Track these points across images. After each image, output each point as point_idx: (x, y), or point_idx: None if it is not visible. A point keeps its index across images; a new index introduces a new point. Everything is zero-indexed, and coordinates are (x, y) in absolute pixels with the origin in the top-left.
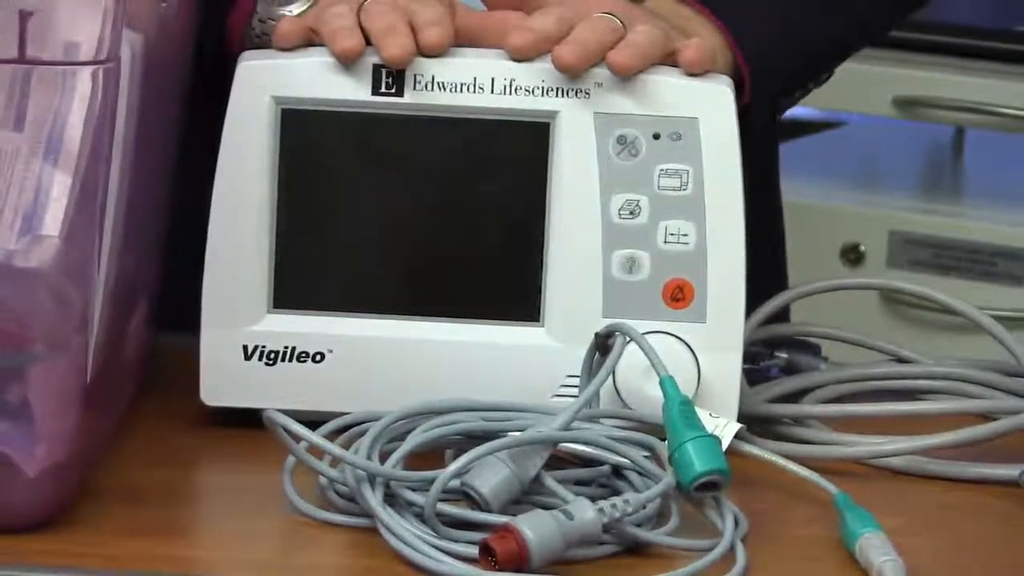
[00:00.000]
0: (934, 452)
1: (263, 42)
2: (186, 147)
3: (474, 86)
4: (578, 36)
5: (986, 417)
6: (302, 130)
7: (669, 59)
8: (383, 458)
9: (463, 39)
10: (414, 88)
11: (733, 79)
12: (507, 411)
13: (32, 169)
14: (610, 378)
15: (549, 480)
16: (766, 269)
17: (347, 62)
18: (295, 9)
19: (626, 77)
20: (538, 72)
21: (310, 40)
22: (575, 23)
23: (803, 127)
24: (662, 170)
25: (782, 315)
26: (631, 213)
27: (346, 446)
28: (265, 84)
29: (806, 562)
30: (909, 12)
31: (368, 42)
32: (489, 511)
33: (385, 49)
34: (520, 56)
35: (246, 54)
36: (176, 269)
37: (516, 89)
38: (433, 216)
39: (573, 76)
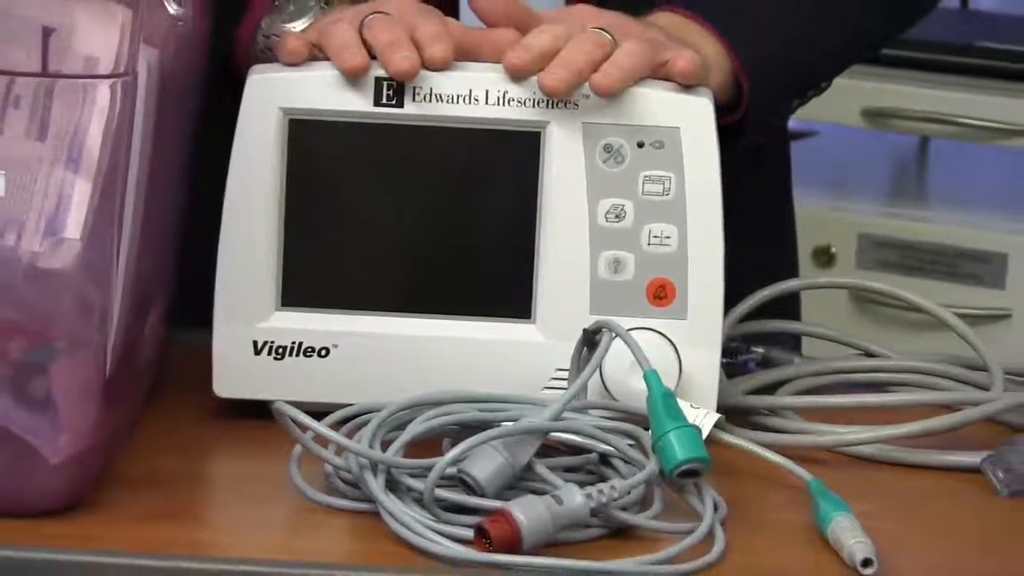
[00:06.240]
0: (901, 441)
1: (267, 57)
2: (199, 154)
3: (470, 98)
4: (564, 58)
5: (950, 408)
6: (308, 139)
7: (661, 70)
8: (384, 447)
9: (460, 55)
10: (414, 100)
11: (732, 89)
12: (501, 402)
13: (54, 176)
14: (597, 371)
15: (540, 467)
16: (779, 257)
17: (354, 77)
18: (299, 26)
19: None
20: (530, 85)
21: (314, 56)
22: (569, 39)
23: None
24: (646, 176)
25: (794, 311)
26: (617, 217)
27: (350, 435)
28: (273, 96)
29: (781, 544)
30: (910, 22)
31: (372, 56)
32: (484, 496)
33: (392, 64)
34: (517, 75)
35: (255, 67)
36: (190, 269)
37: (509, 101)
38: (431, 219)
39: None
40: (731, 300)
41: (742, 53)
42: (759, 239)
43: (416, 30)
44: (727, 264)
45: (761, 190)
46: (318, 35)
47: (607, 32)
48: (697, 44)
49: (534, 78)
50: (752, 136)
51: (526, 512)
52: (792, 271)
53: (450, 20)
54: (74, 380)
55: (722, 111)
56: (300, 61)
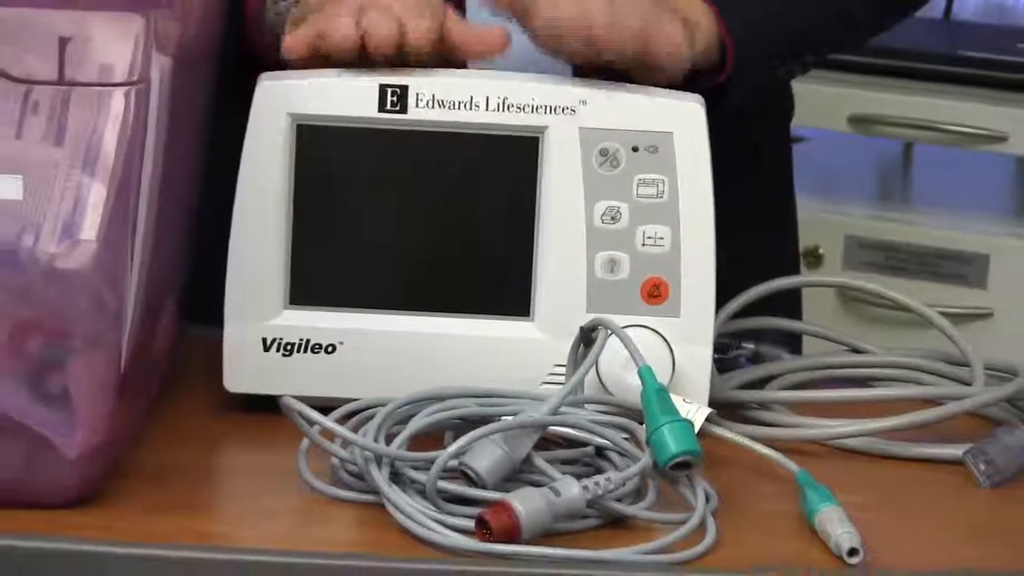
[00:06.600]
0: (887, 434)
1: (277, 22)
2: (210, 157)
3: (470, 104)
4: None
5: (933, 402)
6: (315, 144)
7: (649, 49)
8: (389, 440)
9: (449, 48)
10: (416, 105)
11: (718, 51)
12: (500, 397)
13: (71, 180)
14: (594, 368)
15: (538, 460)
16: (780, 255)
17: (344, 51)
18: None
19: (610, 92)
20: (529, 91)
21: (316, 50)
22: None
23: None
24: (640, 179)
25: (795, 309)
26: (612, 218)
27: (355, 429)
28: (282, 102)
29: (770, 534)
30: (898, 15)
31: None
32: (484, 488)
33: (371, 36)
34: (547, 32)
35: (265, 75)
36: (202, 268)
37: (509, 107)
38: (434, 221)
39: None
40: (733, 296)
41: (727, 15)
42: (761, 237)
43: (407, 22)
44: (728, 261)
45: (762, 189)
46: (320, 24)
47: None
48: (686, 6)
49: (534, 84)
50: (737, 97)
51: (525, 503)
52: (794, 269)
53: (449, 13)
54: (90, 376)
55: (708, 74)
56: (298, 58)
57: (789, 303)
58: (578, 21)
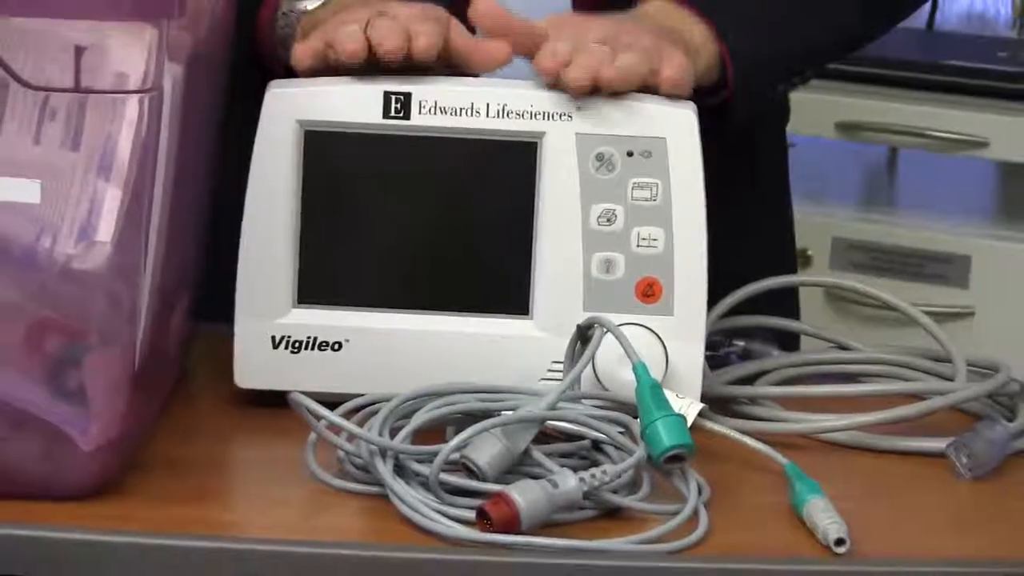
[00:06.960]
0: (872, 428)
1: (287, 34)
2: (221, 161)
3: (471, 110)
4: (581, 63)
5: (917, 397)
6: (322, 149)
7: (652, 80)
8: (393, 434)
9: (454, 59)
10: (419, 112)
11: (718, 70)
12: (500, 393)
13: (87, 184)
14: (590, 364)
15: (537, 453)
16: (779, 255)
17: (352, 62)
18: (310, 4)
19: (605, 99)
20: (527, 98)
21: (324, 59)
22: (578, 51)
23: None
24: (635, 183)
25: (793, 310)
26: (608, 220)
27: (361, 424)
28: (290, 109)
29: (760, 524)
30: (889, 24)
31: (373, 64)
32: (485, 480)
33: (381, 46)
34: (549, 77)
35: (274, 83)
36: (213, 268)
37: (508, 113)
38: (436, 223)
39: (579, 94)
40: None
41: (726, 36)
42: (759, 237)
43: (411, 27)
44: (727, 262)
45: (760, 190)
46: (329, 33)
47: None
48: (684, 28)
49: (532, 91)
50: (740, 115)
51: (524, 495)
52: (790, 269)
53: (454, 24)
54: (105, 373)
55: (709, 92)
56: (306, 68)
57: (788, 304)
58: (583, 70)
